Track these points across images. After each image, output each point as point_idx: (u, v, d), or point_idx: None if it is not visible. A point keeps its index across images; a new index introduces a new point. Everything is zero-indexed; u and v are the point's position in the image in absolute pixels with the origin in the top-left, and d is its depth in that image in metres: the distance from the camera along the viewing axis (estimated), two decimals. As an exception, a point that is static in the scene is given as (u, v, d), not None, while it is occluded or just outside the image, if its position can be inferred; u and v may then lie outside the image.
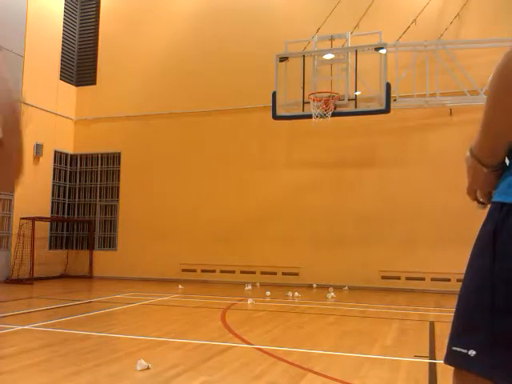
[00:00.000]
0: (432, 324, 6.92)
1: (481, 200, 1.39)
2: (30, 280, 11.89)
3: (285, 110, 10.94)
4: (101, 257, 14.11)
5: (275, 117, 10.77)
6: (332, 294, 10.03)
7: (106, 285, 12.20)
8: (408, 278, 11.48)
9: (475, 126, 1.32)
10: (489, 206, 1.34)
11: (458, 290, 1.33)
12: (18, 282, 11.89)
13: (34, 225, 12.33)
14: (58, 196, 14.38)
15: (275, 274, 12.45)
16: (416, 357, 4.91)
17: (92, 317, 7.25)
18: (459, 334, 1.30)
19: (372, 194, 11.87)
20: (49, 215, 13.78)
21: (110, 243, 14.28)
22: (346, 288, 11.49)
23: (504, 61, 1.21)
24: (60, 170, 14.44)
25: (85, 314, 7.38)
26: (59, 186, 14.42)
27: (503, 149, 1.29)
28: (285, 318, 7.43)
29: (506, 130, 1.25)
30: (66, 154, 14.65)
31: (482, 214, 1.35)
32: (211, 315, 7.54)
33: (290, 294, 10.18)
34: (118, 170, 14.39)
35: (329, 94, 10.23)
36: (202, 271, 13.06)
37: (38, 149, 13.19)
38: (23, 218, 12.42)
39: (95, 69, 14.93)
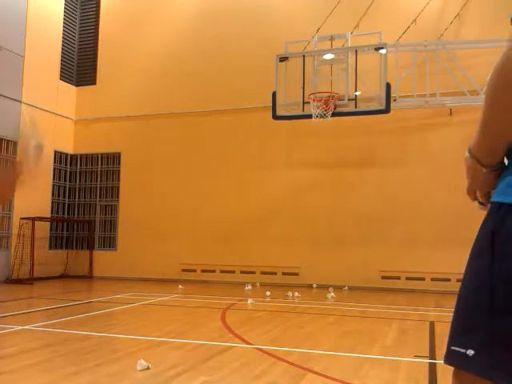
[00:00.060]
0: (432, 324, 6.92)
1: (480, 200, 1.38)
2: (30, 280, 11.89)
3: (285, 110, 10.94)
4: (101, 257, 14.11)
5: (275, 117, 10.76)
6: (332, 294, 10.03)
7: (106, 285, 12.20)
8: (408, 278, 11.47)
9: (475, 126, 1.31)
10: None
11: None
12: (18, 281, 11.90)
13: (34, 225, 12.33)
14: (58, 196, 14.39)
15: (275, 274, 12.45)
16: (416, 357, 4.91)
17: (92, 317, 7.26)
18: (458, 334, 1.30)
19: (372, 194, 11.87)
20: (49, 215, 13.78)
21: (109, 243, 14.28)
22: (346, 288, 11.49)
23: (502, 60, 1.20)
24: (60, 169, 14.44)
25: (85, 314, 7.38)
26: (59, 186, 14.42)
27: (502, 148, 1.29)
28: (285, 318, 7.43)
29: (504, 130, 1.25)
30: (66, 154, 14.65)
31: (482, 213, 1.34)
32: (211, 315, 7.54)
33: (290, 294, 10.18)
34: (118, 170, 14.39)
35: (329, 94, 10.23)
36: (202, 271, 13.06)
37: (38, 149, 13.17)
38: (23, 218, 12.41)
39: (95, 69, 14.94)
